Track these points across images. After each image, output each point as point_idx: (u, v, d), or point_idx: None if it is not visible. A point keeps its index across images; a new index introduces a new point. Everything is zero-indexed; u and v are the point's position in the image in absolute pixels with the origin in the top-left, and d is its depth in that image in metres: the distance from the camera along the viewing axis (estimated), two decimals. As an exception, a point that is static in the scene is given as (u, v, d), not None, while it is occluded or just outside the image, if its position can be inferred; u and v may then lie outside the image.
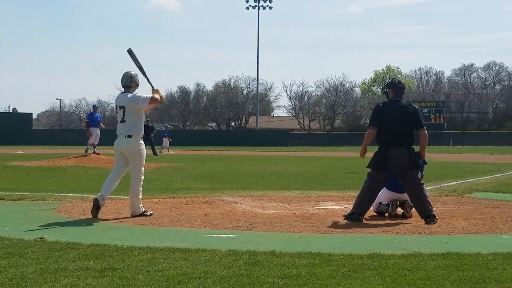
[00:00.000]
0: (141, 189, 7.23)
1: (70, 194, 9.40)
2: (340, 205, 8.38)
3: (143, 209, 7.20)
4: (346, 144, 52.89)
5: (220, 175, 14.64)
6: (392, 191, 7.28)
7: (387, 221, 6.97)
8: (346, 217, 6.98)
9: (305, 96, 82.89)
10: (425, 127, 7.10)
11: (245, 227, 6.42)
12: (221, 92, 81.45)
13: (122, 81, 7.27)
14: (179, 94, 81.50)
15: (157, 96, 7.24)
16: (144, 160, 7.32)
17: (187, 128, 78.11)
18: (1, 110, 71.74)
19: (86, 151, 20.82)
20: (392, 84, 7.31)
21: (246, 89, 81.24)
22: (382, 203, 7.34)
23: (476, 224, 6.72)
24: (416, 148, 7.04)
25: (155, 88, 7.31)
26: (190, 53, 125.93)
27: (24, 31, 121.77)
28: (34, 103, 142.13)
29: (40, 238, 5.51)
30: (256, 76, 71.03)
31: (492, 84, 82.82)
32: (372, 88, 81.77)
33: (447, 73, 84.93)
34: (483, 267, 4.39)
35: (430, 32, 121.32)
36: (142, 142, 7.28)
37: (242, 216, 7.23)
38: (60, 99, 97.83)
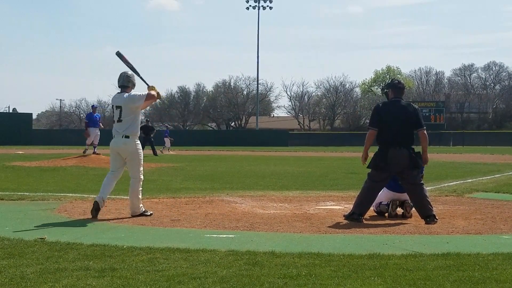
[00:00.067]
0: (141, 189, 7.22)
1: (70, 194, 9.40)
2: (340, 205, 8.38)
3: (143, 209, 7.20)
4: (346, 144, 53.00)
5: (220, 175, 14.63)
6: (392, 191, 7.28)
7: (387, 221, 6.97)
8: (346, 217, 6.98)
9: (305, 96, 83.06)
10: (425, 128, 7.09)
11: (245, 227, 6.42)
12: (221, 92, 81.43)
13: (119, 81, 7.28)
14: (179, 94, 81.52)
15: (153, 92, 7.25)
16: (142, 160, 7.33)
17: (187, 128, 78.11)
18: (1, 110, 71.76)
19: (84, 152, 20.76)
20: (392, 84, 7.31)
21: (246, 89, 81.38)
22: (382, 203, 7.34)
23: (476, 224, 6.72)
24: (416, 148, 7.04)
25: (150, 85, 7.33)
26: (190, 53, 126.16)
27: (24, 31, 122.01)
28: (34, 103, 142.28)
29: (40, 238, 5.51)
30: (256, 76, 71.11)
31: (492, 84, 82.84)
32: (372, 88, 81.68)
33: (447, 73, 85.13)
34: (483, 267, 4.39)
35: (430, 32, 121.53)
36: (139, 142, 7.28)
37: (242, 216, 7.23)
38: (60, 99, 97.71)
